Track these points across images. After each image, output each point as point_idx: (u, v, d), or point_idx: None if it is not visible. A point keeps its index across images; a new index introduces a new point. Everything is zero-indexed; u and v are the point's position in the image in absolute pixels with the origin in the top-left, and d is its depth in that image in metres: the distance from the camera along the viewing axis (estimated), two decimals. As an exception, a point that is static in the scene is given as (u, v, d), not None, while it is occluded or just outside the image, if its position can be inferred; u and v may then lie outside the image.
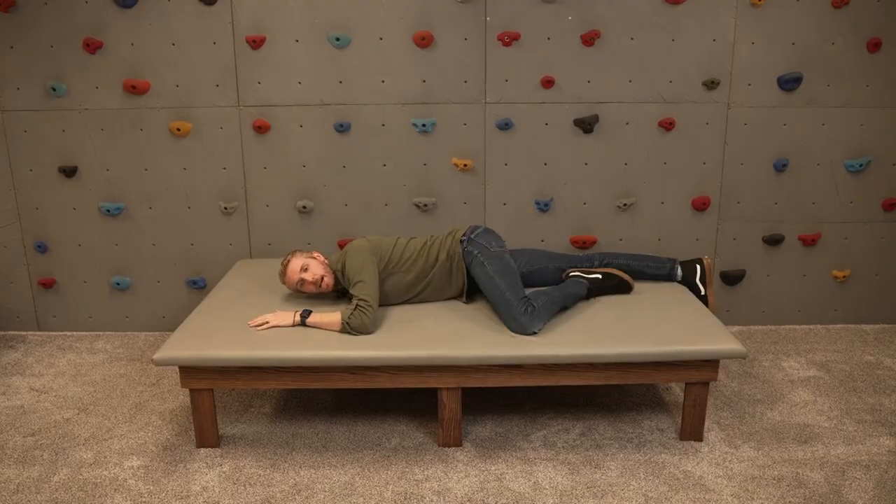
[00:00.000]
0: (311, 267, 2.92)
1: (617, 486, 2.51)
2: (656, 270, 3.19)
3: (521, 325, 2.70)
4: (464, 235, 2.99)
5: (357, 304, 2.71)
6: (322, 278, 2.91)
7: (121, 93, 3.50)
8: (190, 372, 2.63)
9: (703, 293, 3.13)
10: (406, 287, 2.96)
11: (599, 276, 3.04)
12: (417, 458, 2.69)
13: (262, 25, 3.41)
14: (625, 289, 3.06)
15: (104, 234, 3.71)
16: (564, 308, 2.89)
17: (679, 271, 3.18)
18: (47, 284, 3.79)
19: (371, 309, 2.70)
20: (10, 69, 3.47)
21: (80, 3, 3.38)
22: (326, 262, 2.99)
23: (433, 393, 3.03)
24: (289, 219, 3.68)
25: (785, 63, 3.47)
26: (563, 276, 3.11)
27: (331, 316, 2.73)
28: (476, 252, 2.91)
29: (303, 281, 2.91)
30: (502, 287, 2.79)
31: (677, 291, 3.10)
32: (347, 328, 2.68)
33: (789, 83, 3.48)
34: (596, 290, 3.02)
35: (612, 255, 3.21)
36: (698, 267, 3.17)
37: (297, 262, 2.93)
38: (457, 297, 3.04)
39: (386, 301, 2.94)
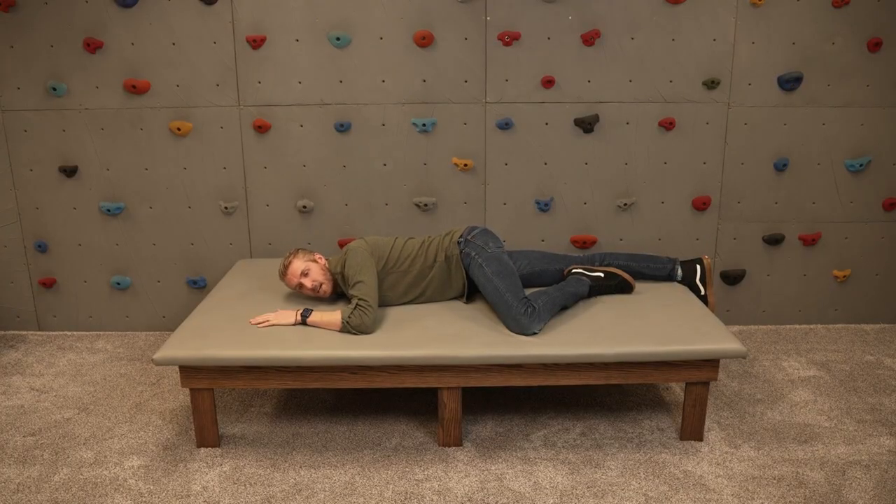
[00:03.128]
0: (312, 272, 2.92)
1: (617, 485, 2.51)
2: (656, 271, 3.19)
3: (521, 325, 2.70)
4: (461, 237, 2.99)
5: (357, 304, 2.71)
6: (321, 285, 2.92)
7: (121, 92, 3.50)
8: (190, 371, 2.63)
9: (703, 293, 3.13)
10: (405, 288, 2.95)
11: (601, 275, 3.04)
12: (418, 457, 2.69)
13: (263, 25, 3.41)
14: (626, 289, 3.06)
15: (104, 234, 3.71)
16: (565, 307, 2.89)
17: (679, 271, 3.18)
18: (47, 284, 3.79)
19: (371, 308, 2.70)
20: (10, 69, 3.47)
21: (80, 2, 3.38)
22: (327, 264, 2.99)
23: (433, 393, 3.03)
24: (289, 218, 3.68)
25: (785, 63, 3.48)
26: (565, 272, 3.11)
27: (331, 315, 2.73)
28: (473, 253, 2.91)
29: (301, 285, 2.92)
30: (501, 288, 2.79)
31: (677, 291, 3.10)
32: (347, 327, 2.68)
33: (789, 83, 3.48)
34: (597, 288, 3.02)
35: (612, 255, 3.21)
36: (698, 267, 3.17)
37: (298, 265, 2.93)
38: (457, 298, 3.04)
39: (386, 302, 2.94)
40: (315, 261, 2.97)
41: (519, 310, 2.71)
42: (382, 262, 2.92)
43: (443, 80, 3.48)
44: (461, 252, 2.94)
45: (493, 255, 2.89)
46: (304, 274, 2.92)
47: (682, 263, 3.19)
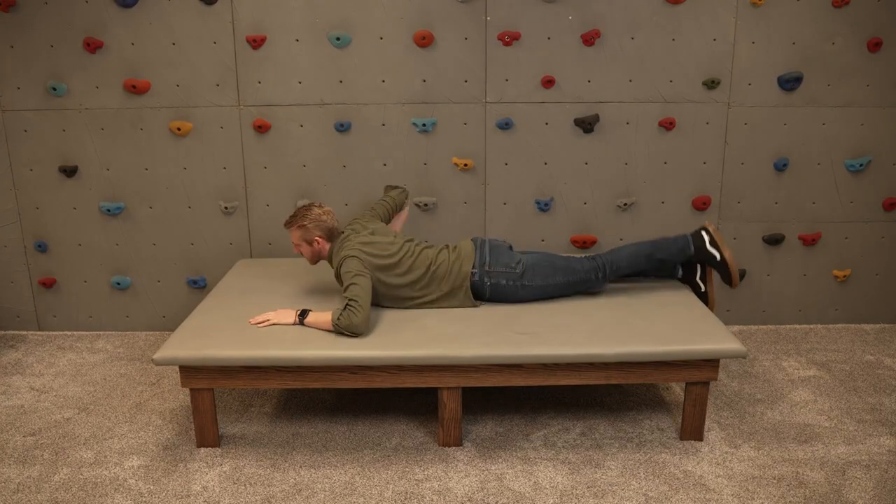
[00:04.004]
0: (301, 250, 2.98)
1: (617, 485, 2.51)
2: (664, 273, 3.18)
3: (598, 288, 3.03)
4: (473, 267, 2.91)
5: (347, 304, 2.69)
6: (306, 258, 3.02)
7: (121, 92, 3.50)
8: (190, 371, 2.63)
9: (703, 290, 3.11)
10: (401, 302, 2.93)
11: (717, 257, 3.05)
12: (418, 457, 2.69)
13: (263, 25, 3.41)
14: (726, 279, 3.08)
15: (104, 234, 3.71)
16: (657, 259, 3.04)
17: (680, 271, 3.18)
18: (47, 284, 3.79)
19: (360, 308, 2.66)
20: (10, 69, 3.47)
21: (80, 2, 3.38)
22: (326, 249, 2.97)
23: (433, 393, 3.03)
24: (289, 218, 3.68)
25: (785, 63, 3.48)
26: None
27: (325, 315, 2.73)
28: (505, 282, 2.91)
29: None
30: (560, 283, 2.95)
31: (677, 291, 3.09)
32: (338, 328, 2.67)
33: (789, 83, 3.48)
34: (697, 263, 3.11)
35: (615, 257, 3.06)
36: (698, 267, 3.13)
37: (294, 237, 2.95)
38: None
39: (383, 306, 2.93)
40: (311, 244, 2.94)
41: (590, 284, 2.98)
42: (377, 276, 2.85)
43: (443, 80, 3.48)
44: (480, 282, 2.91)
45: (526, 268, 2.91)
46: (296, 245, 2.97)
47: (691, 237, 3.08)
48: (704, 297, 3.11)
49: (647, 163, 3.61)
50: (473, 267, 2.91)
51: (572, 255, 3.11)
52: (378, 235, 2.98)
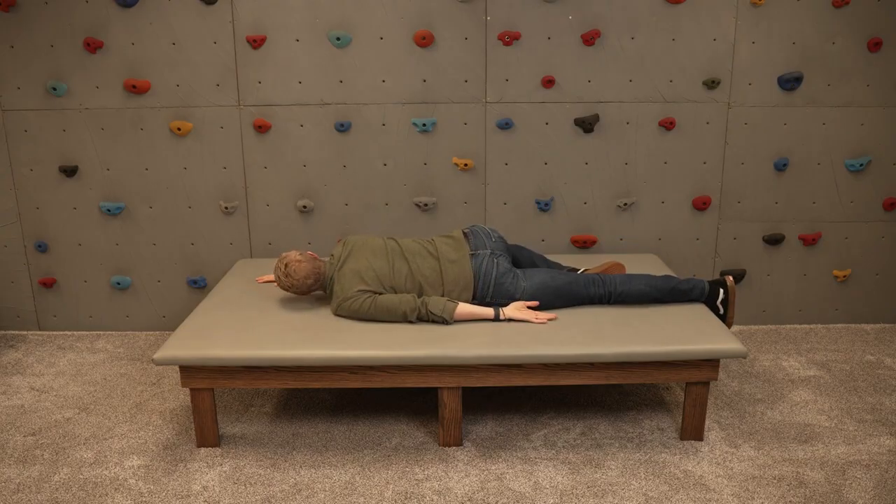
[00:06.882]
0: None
1: (617, 485, 2.51)
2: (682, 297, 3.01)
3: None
4: (473, 299, 2.87)
5: (409, 309, 2.76)
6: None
7: (121, 92, 3.50)
8: (190, 371, 2.63)
9: (721, 312, 2.98)
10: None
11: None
12: (418, 457, 2.69)
13: (263, 25, 3.41)
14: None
15: (104, 234, 3.71)
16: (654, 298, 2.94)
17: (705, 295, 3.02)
18: (48, 284, 3.79)
19: (410, 298, 2.77)
20: (10, 69, 3.47)
21: (80, 2, 3.38)
22: (315, 289, 2.94)
23: (433, 392, 3.03)
24: (289, 218, 3.68)
25: (785, 63, 3.48)
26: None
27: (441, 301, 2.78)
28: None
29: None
30: (559, 307, 2.89)
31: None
32: (432, 315, 2.76)
33: (789, 83, 3.48)
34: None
35: (624, 293, 2.96)
36: (721, 290, 2.99)
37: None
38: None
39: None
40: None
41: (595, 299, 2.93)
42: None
43: (443, 80, 3.48)
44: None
45: (527, 300, 2.85)
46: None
47: (708, 284, 3.02)
48: (723, 318, 2.98)
49: (647, 163, 3.61)
50: (473, 299, 2.88)
51: (575, 269, 3.08)
52: (367, 258, 2.88)
